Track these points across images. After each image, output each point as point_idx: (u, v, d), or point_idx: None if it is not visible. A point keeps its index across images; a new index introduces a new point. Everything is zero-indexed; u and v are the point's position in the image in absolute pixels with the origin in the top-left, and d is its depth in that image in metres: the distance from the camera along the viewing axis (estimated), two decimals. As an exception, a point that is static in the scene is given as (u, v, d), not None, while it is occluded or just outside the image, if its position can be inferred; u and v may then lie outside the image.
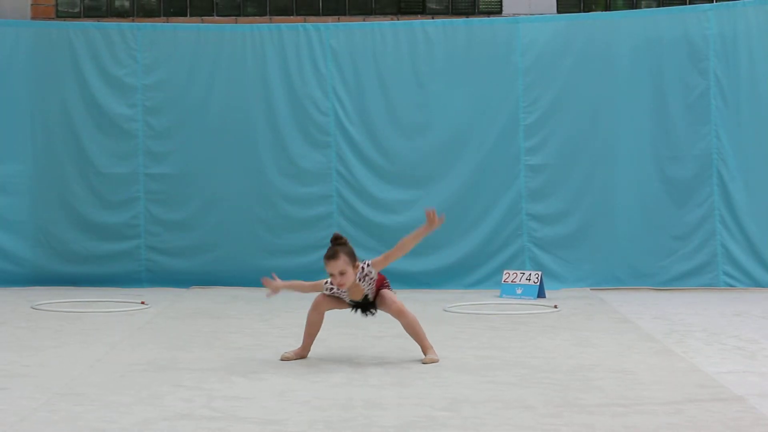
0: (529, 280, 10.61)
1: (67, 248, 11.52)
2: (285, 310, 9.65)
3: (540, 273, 10.70)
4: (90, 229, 11.53)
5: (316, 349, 7.41)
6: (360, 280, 6.92)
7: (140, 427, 5.14)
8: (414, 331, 7.03)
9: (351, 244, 7.03)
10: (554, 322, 8.85)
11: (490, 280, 11.30)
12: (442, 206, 11.44)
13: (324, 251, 11.40)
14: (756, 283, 11.20)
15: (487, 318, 9.10)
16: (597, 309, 9.66)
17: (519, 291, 10.56)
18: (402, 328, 7.14)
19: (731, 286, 11.23)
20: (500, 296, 10.62)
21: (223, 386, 6.12)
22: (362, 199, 11.55)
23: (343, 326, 8.62)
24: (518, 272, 10.79)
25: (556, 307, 9.65)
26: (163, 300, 10.29)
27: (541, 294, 10.54)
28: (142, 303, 9.88)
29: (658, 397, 5.78)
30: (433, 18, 12.61)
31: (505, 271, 10.91)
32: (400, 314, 7.00)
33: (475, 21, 11.84)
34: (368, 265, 6.92)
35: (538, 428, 5.11)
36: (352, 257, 6.90)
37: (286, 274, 11.21)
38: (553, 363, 6.88)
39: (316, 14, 12.92)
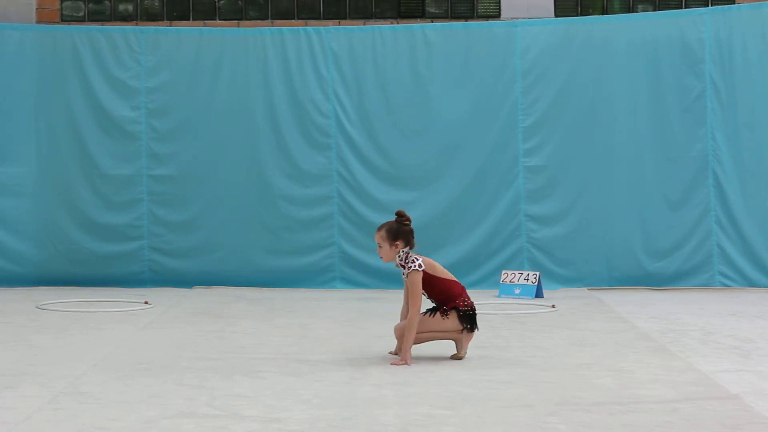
0: (528, 280, 10.67)
1: (71, 249, 11.57)
2: (286, 310, 9.71)
3: (538, 273, 10.77)
4: (94, 230, 11.58)
5: (317, 348, 7.48)
6: (403, 262, 6.96)
7: (143, 426, 5.19)
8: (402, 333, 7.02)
9: (389, 226, 6.98)
10: (552, 321, 8.90)
11: (488, 280, 11.35)
12: (442, 207, 11.55)
13: (324, 251, 11.70)
14: (751, 283, 11.27)
15: (486, 318, 9.14)
16: (594, 309, 9.72)
17: (517, 291, 10.62)
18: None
19: (727, 286, 11.29)
20: (498, 296, 10.68)
21: (225, 385, 6.17)
22: (363, 200, 11.60)
23: (344, 326, 8.70)
24: (517, 272, 10.85)
25: (553, 306, 9.72)
26: (166, 300, 10.34)
27: (539, 294, 10.61)
28: (146, 303, 9.96)
29: (655, 396, 5.83)
30: (432, 22, 12.66)
31: (503, 271, 10.97)
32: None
33: (474, 25, 11.90)
34: (415, 260, 6.93)
35: (537, 426, 5.16)
36: (392, 234, 6.95)
37: (287, 274, 11.52)
38: (551, 362, 6.93)
39: (317, 18, 12.97)
